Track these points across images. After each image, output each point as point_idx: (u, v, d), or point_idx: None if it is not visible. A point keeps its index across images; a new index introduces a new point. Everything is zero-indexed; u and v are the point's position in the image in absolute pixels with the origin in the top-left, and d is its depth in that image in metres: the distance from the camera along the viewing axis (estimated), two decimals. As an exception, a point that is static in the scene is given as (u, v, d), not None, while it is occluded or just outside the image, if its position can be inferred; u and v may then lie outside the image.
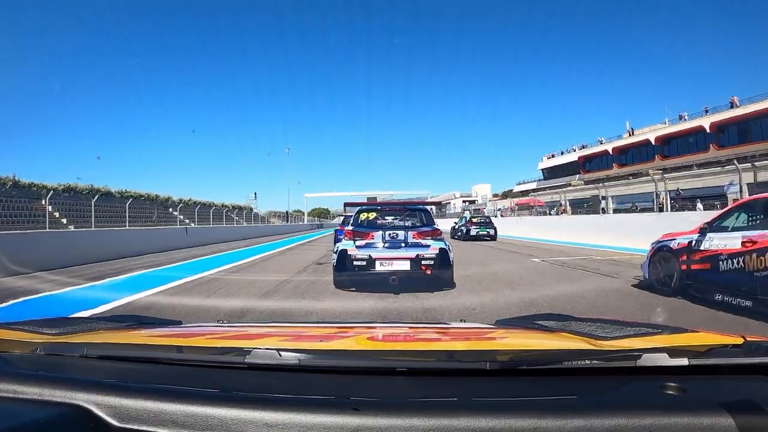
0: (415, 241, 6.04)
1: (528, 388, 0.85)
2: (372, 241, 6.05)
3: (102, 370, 0.97)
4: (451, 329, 1.64)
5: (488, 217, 24.61)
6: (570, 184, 44.03)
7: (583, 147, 51.83)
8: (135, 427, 0.73)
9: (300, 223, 53.66)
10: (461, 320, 2.15)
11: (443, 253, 5.93)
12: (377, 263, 5.84)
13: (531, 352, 1.09)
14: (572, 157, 52.76)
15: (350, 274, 6.01)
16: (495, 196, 63.76)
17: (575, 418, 0.70)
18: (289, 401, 0.75)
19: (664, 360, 0.88)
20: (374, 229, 6.25)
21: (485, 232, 20.21)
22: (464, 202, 64.40)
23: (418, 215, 6.83)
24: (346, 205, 7.40)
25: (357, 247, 6.00)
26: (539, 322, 1.46)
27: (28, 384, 0.81)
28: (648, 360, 0.88)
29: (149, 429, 0.72)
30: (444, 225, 33.53)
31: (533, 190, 54.44)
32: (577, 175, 49.26)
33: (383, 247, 5.99)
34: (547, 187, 50.87)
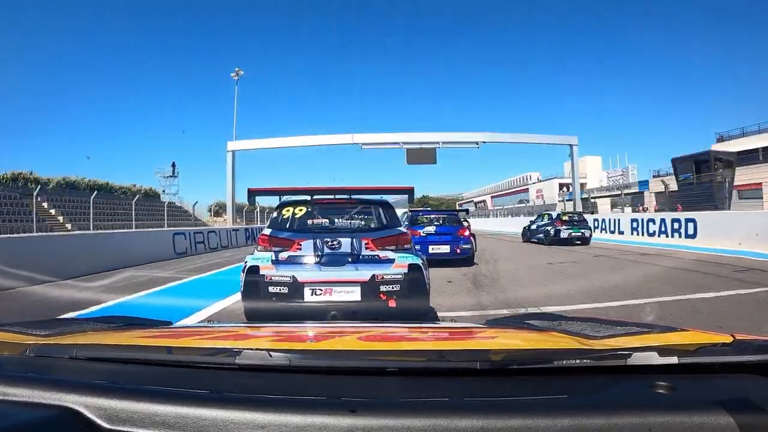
0: (369, 253, 3.78)
1: (518, 388, 0.86)
2: (298, 253, 3.78)
3: (92, 372, 0.97)
4: (442, 329, 1.65)
5: (581, 213, 19.54)
6: None
7: None
8: (125, 428, 0.73)
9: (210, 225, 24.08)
10: (452, 320, 2.10)
11: (415, 273, 3.67)
12: (306, 290, 3.60)
13: (521, 352, 1.09)
14: None
15: (266, 306, 3.68)
16: (657, 176, 33.83)
17: (565, 417, 0.70)
18: (280, 402, 0.75)
19: (653, 359, 0.88)
20: (302, 233, 3.93)
21: (579, 233, 15.91)
22: (564, 188, 39.94)
23: (373, 211, 4.26)
24: (250, 192, 4.60)
25: (275, 262, 3.74)
26: (530, 321, 1.46)
27: (17, 386, 0.82)
28: (638, 359, 0.89)
29: (139, 430, 0.73)
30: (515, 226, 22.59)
31: None
32: None
33: (316, 263, 3.74)
34: None
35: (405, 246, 3.89)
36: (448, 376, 0.92)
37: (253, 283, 3.70)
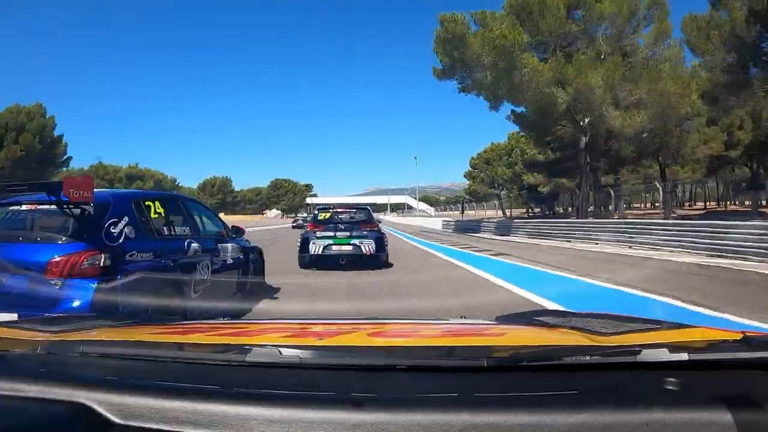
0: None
1: (528, 384, 0.85)
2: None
3: (103, 368, 0.98)
4: (451, 325, 1.65)
5: (365, 207, 10.06)
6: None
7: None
8: (137, 423, 0.74)
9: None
10: (461, 317, 2.13)
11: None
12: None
13: (531, 348, 1.09)
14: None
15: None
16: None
17: (575, 414, 0.70)
18: (290, 398, 0.76)
19: (664, 355, 0.87)
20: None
21: (349, 247, 8.57)
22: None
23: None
24: None
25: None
26: (539, 318, 1.46)
27: (29, 382, 0.82)
28: (648, 355, 0.88)
29: (151, 425, 0.73)
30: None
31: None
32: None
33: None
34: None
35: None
36: (457, 373, 0.92)
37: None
